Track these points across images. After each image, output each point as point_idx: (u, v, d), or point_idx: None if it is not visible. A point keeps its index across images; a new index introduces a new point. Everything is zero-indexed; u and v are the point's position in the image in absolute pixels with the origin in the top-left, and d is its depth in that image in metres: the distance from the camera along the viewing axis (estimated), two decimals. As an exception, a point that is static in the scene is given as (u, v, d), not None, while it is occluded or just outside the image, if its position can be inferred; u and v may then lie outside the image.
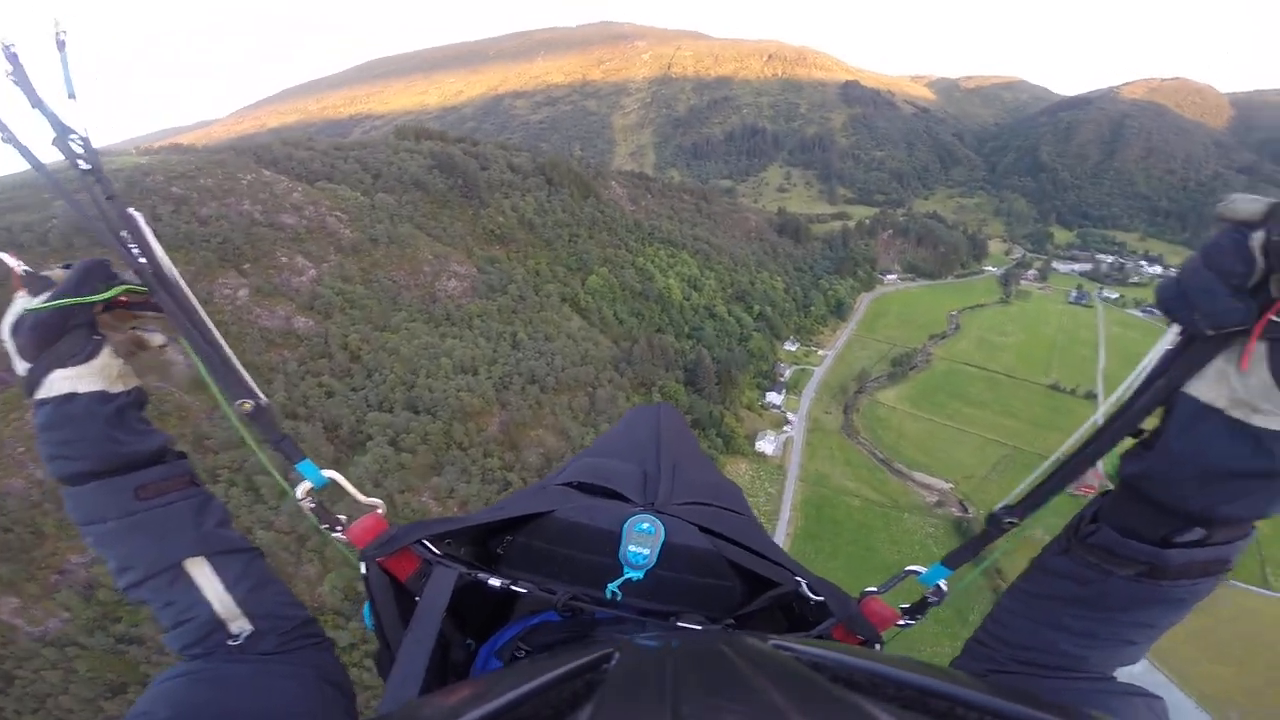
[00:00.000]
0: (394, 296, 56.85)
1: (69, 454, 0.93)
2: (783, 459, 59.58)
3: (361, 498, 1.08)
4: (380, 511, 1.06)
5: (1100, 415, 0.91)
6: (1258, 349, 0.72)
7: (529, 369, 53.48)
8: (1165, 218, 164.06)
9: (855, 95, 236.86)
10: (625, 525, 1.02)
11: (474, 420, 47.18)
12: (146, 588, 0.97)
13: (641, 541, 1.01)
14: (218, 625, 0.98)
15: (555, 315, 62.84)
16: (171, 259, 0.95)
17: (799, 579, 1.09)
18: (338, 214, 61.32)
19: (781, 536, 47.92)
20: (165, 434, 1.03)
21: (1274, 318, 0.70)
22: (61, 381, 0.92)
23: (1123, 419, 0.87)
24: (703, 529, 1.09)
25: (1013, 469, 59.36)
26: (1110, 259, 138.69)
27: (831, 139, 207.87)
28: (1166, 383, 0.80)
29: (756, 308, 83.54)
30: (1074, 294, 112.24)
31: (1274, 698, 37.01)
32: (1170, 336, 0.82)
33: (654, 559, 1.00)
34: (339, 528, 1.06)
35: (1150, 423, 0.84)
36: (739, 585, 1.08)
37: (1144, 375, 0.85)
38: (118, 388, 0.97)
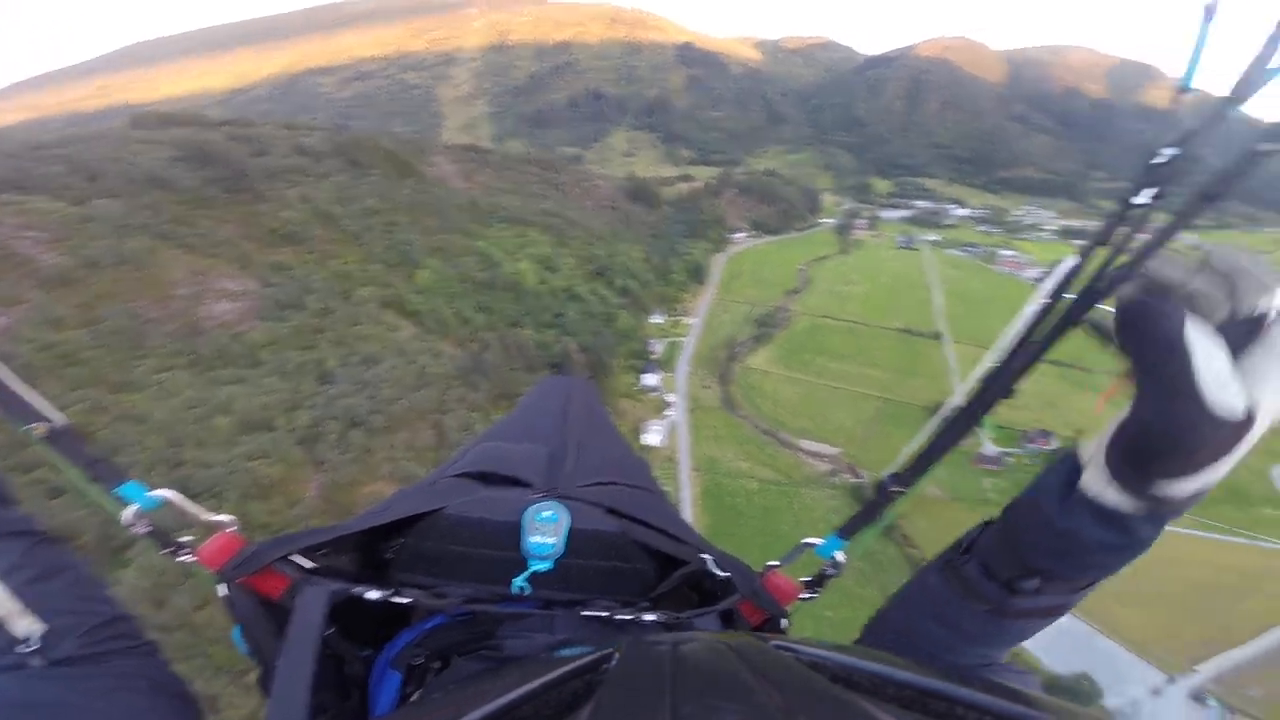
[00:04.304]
0: (135, 338, 41.63)
1: None
2: (671, 448, 54.81)
3: (208, 515, 0.98)
4: (234, 529, 0.97)
5: (974, 378, 0.96)
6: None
7: (346, 409, 41.75)
8: (963, 164, 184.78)
9: (691, 57, 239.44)
10: (525, 515, 0.99)
11: (280, 493, 35.42)
12: None
13: (544, 531, 0.98)
14: None
15: (376, 327, 51.01)
16: None
17: (705, 556, 1.09)
18: (33, 234, 43.68)
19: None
20: None
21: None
22: None
23: (997, 382, 0.92)
24: (609, 510, 1.08)
25: (889, 423, 60.00)
26: (925, 204, 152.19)
27: (671, 101, 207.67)
28: (1040, 345, 0.86)
29: (619, 282, 77.59)
30: (901, 240, 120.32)
31: (1191, 633, 39.22)
32: (1040, 298, 0.87)
33: (561, 547, 0.97)
34: (186, 550, 0.94)
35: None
36: (650, 566, 1.07)
37: (1015, 337, 0.90)
38: None
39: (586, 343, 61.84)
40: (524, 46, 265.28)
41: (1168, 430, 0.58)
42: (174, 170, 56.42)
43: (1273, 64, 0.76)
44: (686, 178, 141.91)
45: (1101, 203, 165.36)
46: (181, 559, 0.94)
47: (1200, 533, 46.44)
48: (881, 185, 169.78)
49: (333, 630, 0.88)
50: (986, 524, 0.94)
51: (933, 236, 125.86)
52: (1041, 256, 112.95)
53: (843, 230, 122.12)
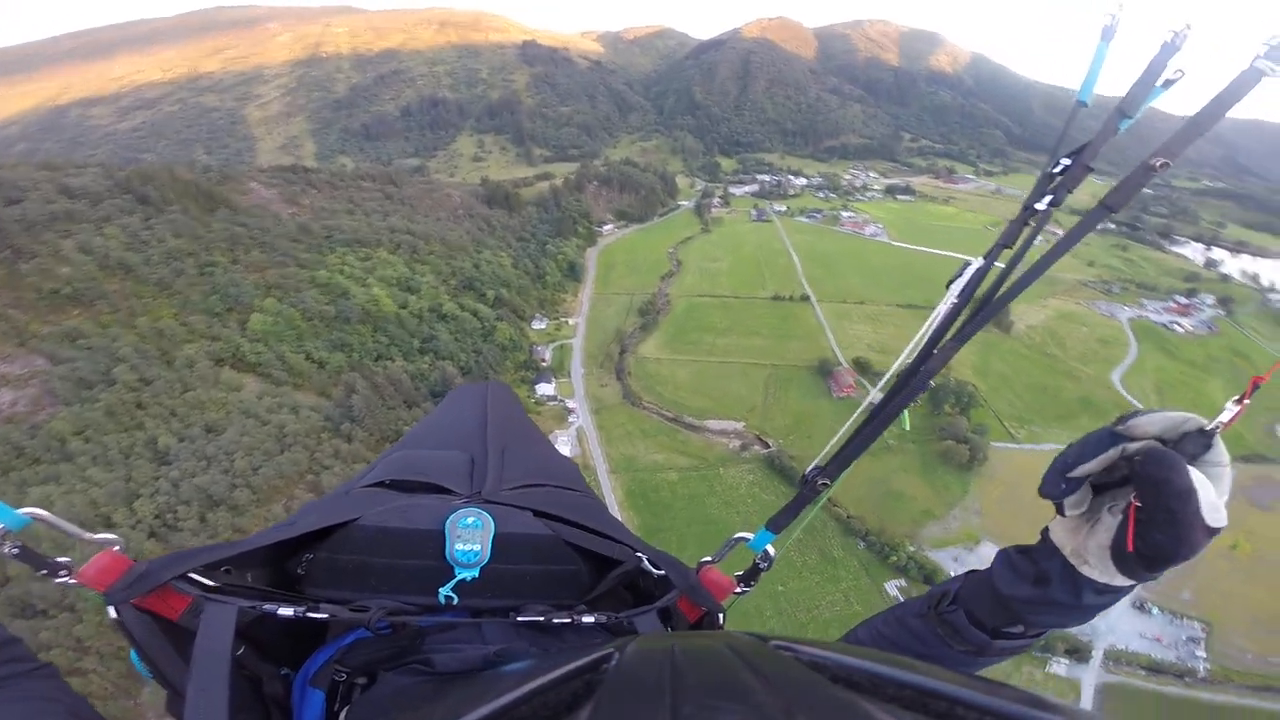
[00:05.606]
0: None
1: None
2: (584, 455, 52.77)
3: (86, 534, 0.92)
4: (118, 548, 0.92)
5: (891, 374, 1.07)
6: (1107, 520, 0.86)
7: (199, 488, 35.32)
8: (792, 136, 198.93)
9: (534, 54, 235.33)
10: (448, 523, 0.96)
11: (147, 592, 28.84)
12: None
13: (469, 538, 0.95)
14: None
15: (213, 389, 43.42)
16: None
17: (640, 555, 1.09)
18: None
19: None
20: None
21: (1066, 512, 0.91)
22: None
23: (915, 381, 1.02)
24: (537, 513, 1.06)
25: (780, 387, 62.38)
26: (768, 178, 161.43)
27: (518, 100, 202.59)
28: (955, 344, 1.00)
29: (490, 292, 73.37)
30: (754, 213, 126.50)
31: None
32: (949, 300, 0.99)
33: (487, 554, 0.95)
34: (64, 572, 0.89)
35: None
36: (584, 567, 1.05)
37: (930, 335, 0.99)
38: None
39: (467, 363, 57.57)
40: (342, 58, 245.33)
41: (1179, 550, 0.75)
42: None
43: (1160, 80, 0.89)
44: (546, 176, 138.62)
45: (913, 160, 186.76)
46: (60, 581, 0.87)
47: (1061, 446, 52.70)
48: (727, 163, 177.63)
49: (245, 650, 0.85)
50: (968, 574, 1.08)
51: (780, 207, 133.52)
52: (876, 214, 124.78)
53: (701, 210, 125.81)
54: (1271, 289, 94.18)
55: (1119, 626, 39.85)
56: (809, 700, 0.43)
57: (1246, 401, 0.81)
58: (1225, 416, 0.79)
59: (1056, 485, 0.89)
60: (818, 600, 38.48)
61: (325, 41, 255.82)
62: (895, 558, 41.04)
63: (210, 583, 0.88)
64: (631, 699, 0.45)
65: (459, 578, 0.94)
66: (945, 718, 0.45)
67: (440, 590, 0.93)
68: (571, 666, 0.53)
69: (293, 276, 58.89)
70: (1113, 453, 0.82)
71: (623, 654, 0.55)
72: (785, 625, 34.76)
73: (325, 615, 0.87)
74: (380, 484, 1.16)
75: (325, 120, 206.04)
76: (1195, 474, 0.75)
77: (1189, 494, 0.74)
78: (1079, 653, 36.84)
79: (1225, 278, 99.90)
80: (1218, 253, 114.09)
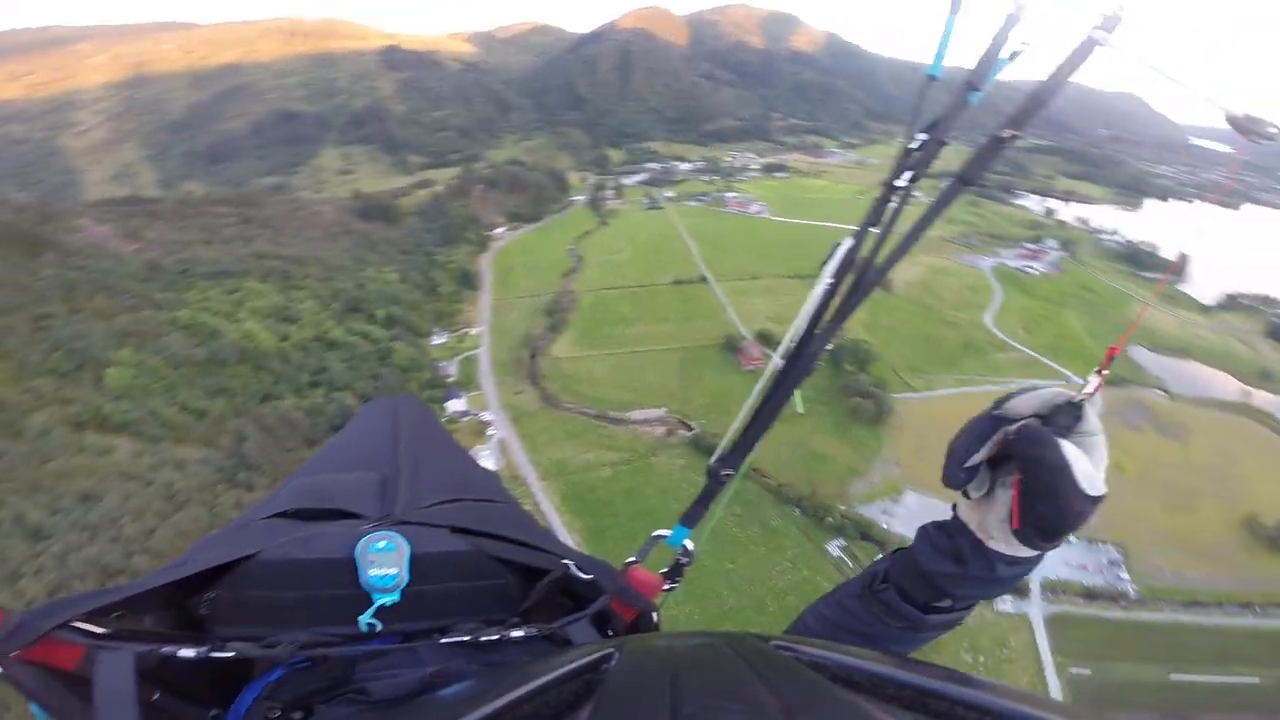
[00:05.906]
0: None
1: None
2: (510, 466, 51.20)
3: None
4: None
5: (778, 360, 1.13)
6: (1002, 496, 0.93)
7: (90, 560, 32.03)
8: (674, 124, 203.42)
9: (399, 60, 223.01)
10: (358, 548, 0.92)
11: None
12: None
13: (383, 562, 0.92)
14: None
15: (78, 456, 38.45)
16: None
17: (566, 561, 1.08)
18: None
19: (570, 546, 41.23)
20: None
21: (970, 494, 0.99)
22: None
23: (800, 361, 1.10)
24: (456, 529, 1.04)
25: (693, 367, 63.88)
26: (656, 166, 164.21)
27: (385, 108, 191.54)
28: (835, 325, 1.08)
29: (380, 312, 69.29)
30: (646, 201, 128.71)
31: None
32: (822, 284, 1.04)
33: (405, 576, 0.92)
34: None
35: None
36: (513, 579, 1.04)
37: (804, 322, 1.06)
38: None
39: (365, 390, 54.00)
40: (174, 76, 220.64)
41: (1064, 521, 0.81)
42: None
43: (1005, 53, 0.94)
44: (425, 183, 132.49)
45: (785, 139, 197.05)
46: None
47: (954, 390, 56.52)
48: (616, 155, 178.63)
49: (160, 695, 0.82)
50: (895, 552, 1.15)
51: (670, 193, 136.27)
52: (757, 193, 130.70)
53: (595, 204, 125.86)
54: (1114, 231, 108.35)
55: (1047, 558, 43.71)
56: (810, 700, 0.43)
57: (1106, 372, 0.85)
58: (1090, 388, 0.85)
59: (956, 476, 0.95)
60: (767, 571, 39.13)
61: (152, 60, 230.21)
62: (830, 519, 42.14)
63: (100, 630, 0.84)
64: (632, 699, 0.45)
65: (378, 603, 0.90)
66: (945, 717, 0.46)
67: (361, 618, 0.90)
68: (571, 666, 0.53)
69: (149, 320, 52.24)
70: (997, 437, 0.88)
71: (623, 654, 0.55)
72: (741, 600, 35.11)
73: (231, 654, 0.84)
74: (281, 514, 1.10)
75: (162, 144, 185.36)
76: (1069, 447, 0.80)
77: (1064, 468, 0.79)
78: (1018, 589, 37.54)
79: (1063, 224, 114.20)
80: (1053, 202, 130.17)
